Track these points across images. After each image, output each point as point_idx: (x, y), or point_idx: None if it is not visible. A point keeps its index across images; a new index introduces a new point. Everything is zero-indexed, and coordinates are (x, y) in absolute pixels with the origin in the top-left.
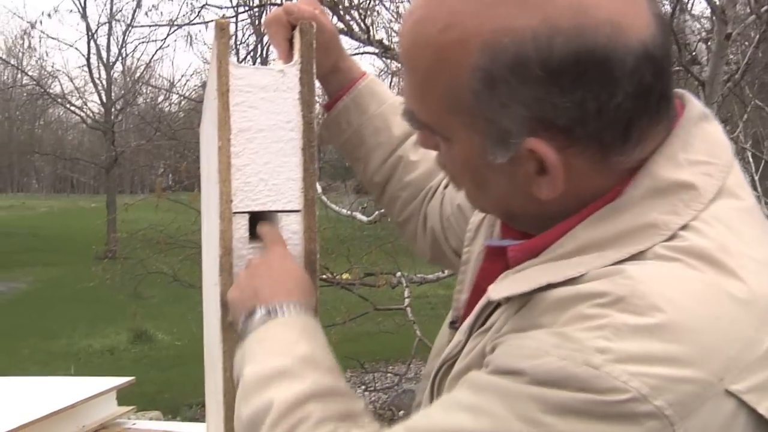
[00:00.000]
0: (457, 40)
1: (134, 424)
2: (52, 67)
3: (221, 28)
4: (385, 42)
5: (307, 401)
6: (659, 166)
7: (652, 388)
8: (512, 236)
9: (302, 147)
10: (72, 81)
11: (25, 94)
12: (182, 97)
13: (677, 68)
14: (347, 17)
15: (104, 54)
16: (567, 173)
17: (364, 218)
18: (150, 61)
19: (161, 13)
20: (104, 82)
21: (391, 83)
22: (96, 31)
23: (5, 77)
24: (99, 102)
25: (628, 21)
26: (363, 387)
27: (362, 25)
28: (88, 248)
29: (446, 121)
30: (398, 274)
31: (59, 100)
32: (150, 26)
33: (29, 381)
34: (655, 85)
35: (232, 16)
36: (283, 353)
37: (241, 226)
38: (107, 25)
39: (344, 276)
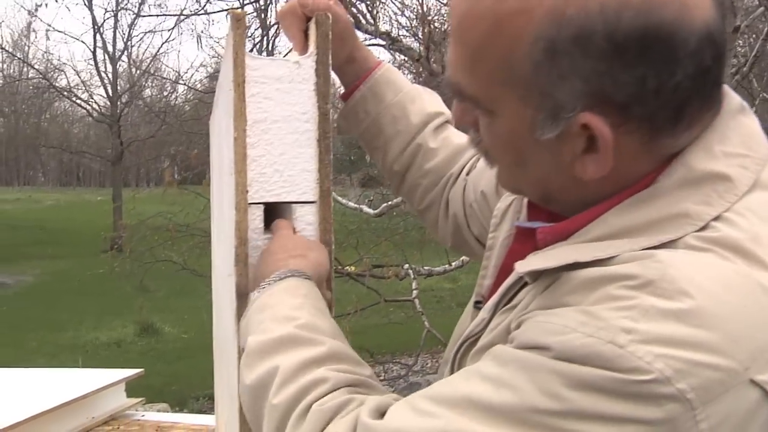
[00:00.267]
0: (518, 10)
1: (143, 415)
2: (59, 60)
3: (237, 19)
4: (392, 34)
5: (318, 365)
6: (694, 157)
7: (675, 371)
8: (541, 220)
9: (317, 138)
10: (78, 74)
11: (31, 87)
12: (189, 88)
13: None
14: (354, 10)
15: (110, 47)
16: (614, 153)
17: (370, 211)
18: (156, 54)
19: (167, 6)
20: (110, 75)
21: None
22: (102, 24)
23: (11, 70)
24: (105, 95)
25: (694, 1)
26: None
27: (369, 17)
28: (94, 241)
29: (496, 93)
30: (405, 266)
31: (65, 93)
32: (157, 15)
33: (39, 373)
34: (712, 69)
35: (238, 8)
36: (289, 319)
37: (256, 217)
38: (113, 18)
39: (351, 268)
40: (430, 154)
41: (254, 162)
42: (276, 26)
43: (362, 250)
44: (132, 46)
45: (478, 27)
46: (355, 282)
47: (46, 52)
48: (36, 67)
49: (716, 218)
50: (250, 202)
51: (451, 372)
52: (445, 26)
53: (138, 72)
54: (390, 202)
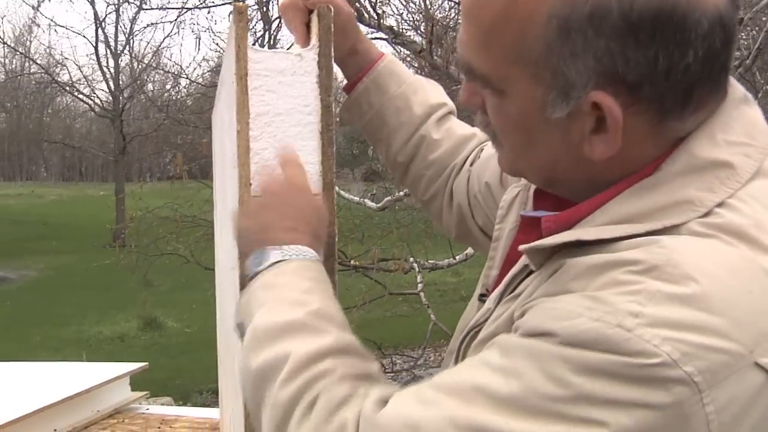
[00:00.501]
0: None
1: (147, 409)
2: (61, 54)
3: (239, 12)
4: (395, 28)
5: (327, 356)
6: (697, 144)
7: (683, 354)
8: (546, 210)
9: (320, 131)
10: (80, 69)
11: (33, 82)
12: (191, 82)
13: None
14: (357, 3)
15: (112, 42)
16: (623, 134)
17: (373, 205)
18: (158, 48)
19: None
20: (112, 69)
21: None
22: (104, 19)
23: (14, 65)
24: (107, 90)
25: None
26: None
27: (372, 12)
28: (97, 236)
29: (507, 72)
30: (410, 259)
31: (67, 88)
32: (160, 9)
33: (44, 366)
34: (721, 53)
35: (240, 1)
36: (300, 303)
37: None
38: (115, 13)
39: (354, 262)
40: (433, 145)
41: (257, 155)
42: (278, 20)
43: (368, 244)
44: (134, 41)
45: (491, 6)
46: (358, 275)
47: (48, 47)
48: (38, 62)
49: (719, 205)
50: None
51: (456, 362)
52: (448, 20)
53: (140, 66)
54: (393, 196)
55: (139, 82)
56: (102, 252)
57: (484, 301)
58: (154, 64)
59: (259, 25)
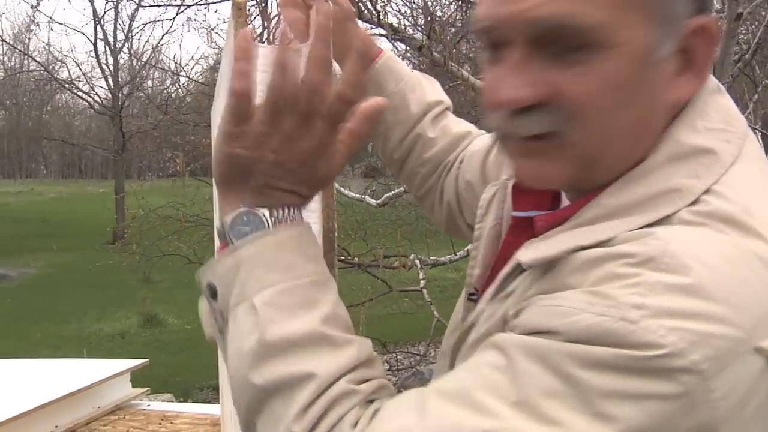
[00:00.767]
0: None
1: (148, 405)
2: (60, 52)
3: (238, 8)
4: (395, 24)
5: (350, 373)
6: (680, 132)
7: (689, 343)
8: (527, 209)
9: None
10: (79, 66)
11: (32, 80)
12: (190, 80)
13: None
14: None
15: (111, 39)
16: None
17: (373, 202)
18: (157, 45)
19: None
20: (111, 66)
21: None
22: (103, 16)
23: (13, 63)
24: (106, 87)
25: None
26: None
27: (372, 9)
28: (97, 233)
29: (615, 16)
30: (412, 256)
31: (66, 85)
32: (159, 6)
33: (45, 363)
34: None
35: None
36: (309, 306)
37: None
38: (113, 10)
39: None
40: (429, 143)
41: None
42: (277, 17)
43: (370, 241)
44: (132, 38)
45: None
46: (357, 272)
47: (47, 44)
48: (37, 59)
49: (706, 192)
50: None
51: (451, 365)
52: (446, 16)
53: (139, 64)
54: (392, 192)
55: (138, 79)
56: (102, 250)
57: (473, 301)
58: (153, 62)
59: (258, 21)
